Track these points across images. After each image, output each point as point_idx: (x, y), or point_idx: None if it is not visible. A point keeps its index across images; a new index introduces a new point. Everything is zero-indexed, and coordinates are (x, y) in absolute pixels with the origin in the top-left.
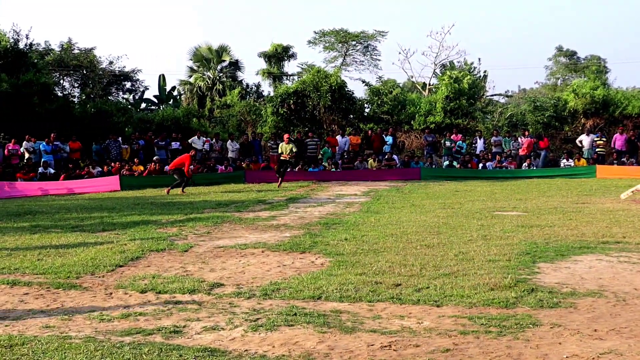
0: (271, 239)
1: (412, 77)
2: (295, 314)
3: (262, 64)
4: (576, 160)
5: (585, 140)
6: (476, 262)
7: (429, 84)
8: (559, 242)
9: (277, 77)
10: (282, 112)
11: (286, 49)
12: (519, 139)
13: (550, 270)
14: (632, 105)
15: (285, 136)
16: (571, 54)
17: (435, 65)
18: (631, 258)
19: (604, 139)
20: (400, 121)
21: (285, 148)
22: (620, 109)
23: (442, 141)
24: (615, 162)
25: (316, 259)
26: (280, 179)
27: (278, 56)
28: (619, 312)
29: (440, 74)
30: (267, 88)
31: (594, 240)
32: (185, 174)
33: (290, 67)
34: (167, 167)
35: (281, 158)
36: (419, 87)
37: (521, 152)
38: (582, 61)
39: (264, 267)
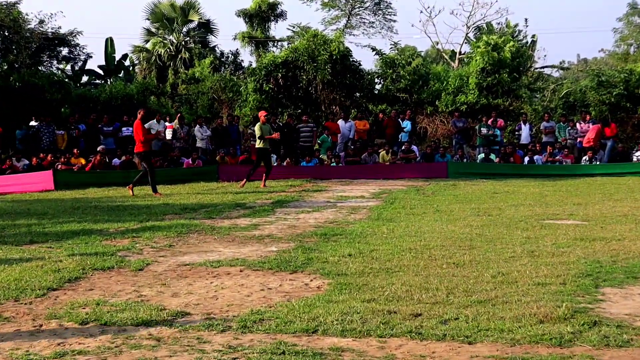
0: (252, 255)
1: (437, 43)
2: (284, 353)
3: (242, 26)
4: None
5: None
6: (520, 285)
7: (460, 53)
8: (630, 261)
9: (261, 43)
10: (267, 88)
11: (273, 6)
12: (578, 124)
13: (618, 298)
14: None
15: (262, 114)
16: None
17: (468, 28)
18: None
19: None
20: (421, 101)
21: (265, 130)
22: None
23: (477, 127)
24: None
25: (311, 280)
26: (264, 175)
27: (262, 15)
28: None
29: (475, 40)
30: (247, 57)
31: None
32: (148, 158)
33: (278, 30)
34: (116, 160)
35: (257, 146)
36: (447, 57)
37: (585, 144)
38: None
39: (243, 291)
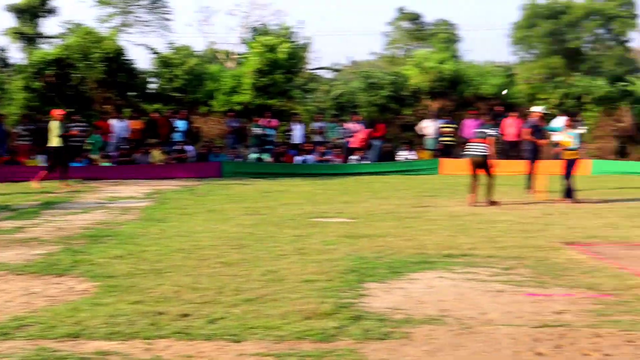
0: (16, 258)
1: (214, 43)
2: (46, 359)
3: (10, 21)
4: (419, 152)
5: (429, 126)
6: (288, 283)
7: (236, 53)
8: (393, 256)
9: (31, 40)
10: (37, 86)
11: (44, 1)
12: (347, 124)
13: (380, 292)
14: (488, 84)
15: (58, 112)
16: (415, 18)
17: (245, 29)
18: (479, 275)
19: (453, 126)
20: (196, 101)
21: (61, 128)
22: (473, 88)
23: (251, 127)
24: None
25: (77, 283)
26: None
27: (33, 11)
28: (463, 342)
29: (251, 41)
30: (16, 54)
31: (436, 253)
32: None
33: (50, 26)
34: None
35: (53, 145)
36: (222, 57)
37: (354, 144)
38: (429, 27)
39: (4, 297)
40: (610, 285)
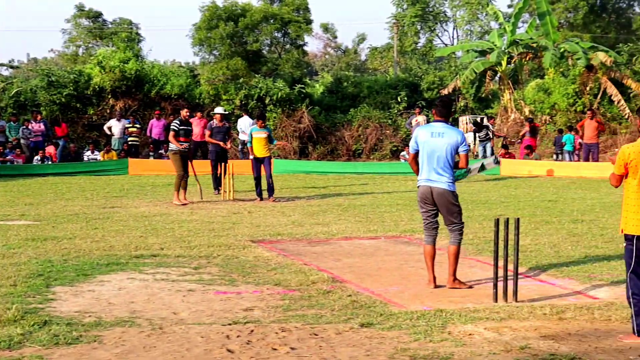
0: None
1: None
2: None
3: None
4: (104, 152)
5: (115, 126)
6: None
7: None
8: (81, 259)
9: None
10: None
11: None
12: (31, 124)
13: (69, 296)
14: (172, 84)
15: None
16: (96, 16)
17: None
18: (170, 275)
19: (138, 126)
20: None
21: None
22: (157, 88)
23: None
24: (152, 154)
25: None
26: None
27: None
28: (155, 343)
29: None
30: None
31: (125, 255)
32: None
33: None
34: None
35: None
36: None
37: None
38: (110, 25)
39: None
40: (296, 281)
